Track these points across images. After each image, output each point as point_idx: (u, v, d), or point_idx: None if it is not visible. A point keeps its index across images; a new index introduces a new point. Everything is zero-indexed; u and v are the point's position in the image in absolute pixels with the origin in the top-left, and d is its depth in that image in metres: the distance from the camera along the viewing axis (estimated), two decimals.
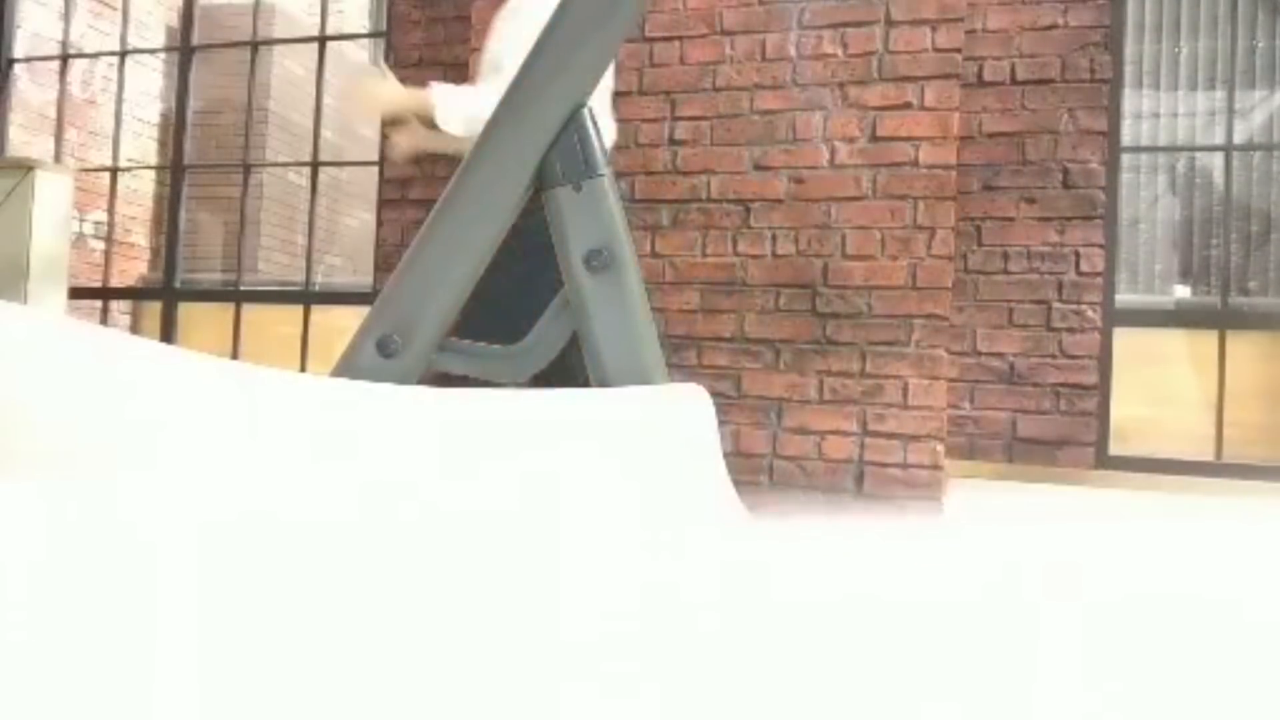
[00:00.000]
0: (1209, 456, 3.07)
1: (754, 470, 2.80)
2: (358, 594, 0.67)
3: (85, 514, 0.67)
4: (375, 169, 3.93)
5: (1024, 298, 3.08)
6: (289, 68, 6.01)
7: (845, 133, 2.82)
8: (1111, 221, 3.10)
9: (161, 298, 4.44)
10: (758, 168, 2.90)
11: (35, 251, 3.84)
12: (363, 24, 7.26)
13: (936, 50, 2.78)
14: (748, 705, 0.59)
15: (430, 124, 2.15)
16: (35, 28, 4.88)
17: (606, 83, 2.27)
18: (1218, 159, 3.51)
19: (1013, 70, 3.11)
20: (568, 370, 1.37)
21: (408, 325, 1.25)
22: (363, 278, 4.40)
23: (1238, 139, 3.52)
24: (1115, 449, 3.08)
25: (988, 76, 3.10)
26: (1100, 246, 3.06)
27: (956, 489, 2.80)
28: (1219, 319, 3.14)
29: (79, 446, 0.76)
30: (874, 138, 2.80)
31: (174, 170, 4.50)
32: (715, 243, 2.93)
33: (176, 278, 4.41)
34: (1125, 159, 3.29)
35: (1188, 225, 3.72)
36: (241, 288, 4.52)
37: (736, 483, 1.24)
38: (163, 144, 5.59)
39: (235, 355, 4.17)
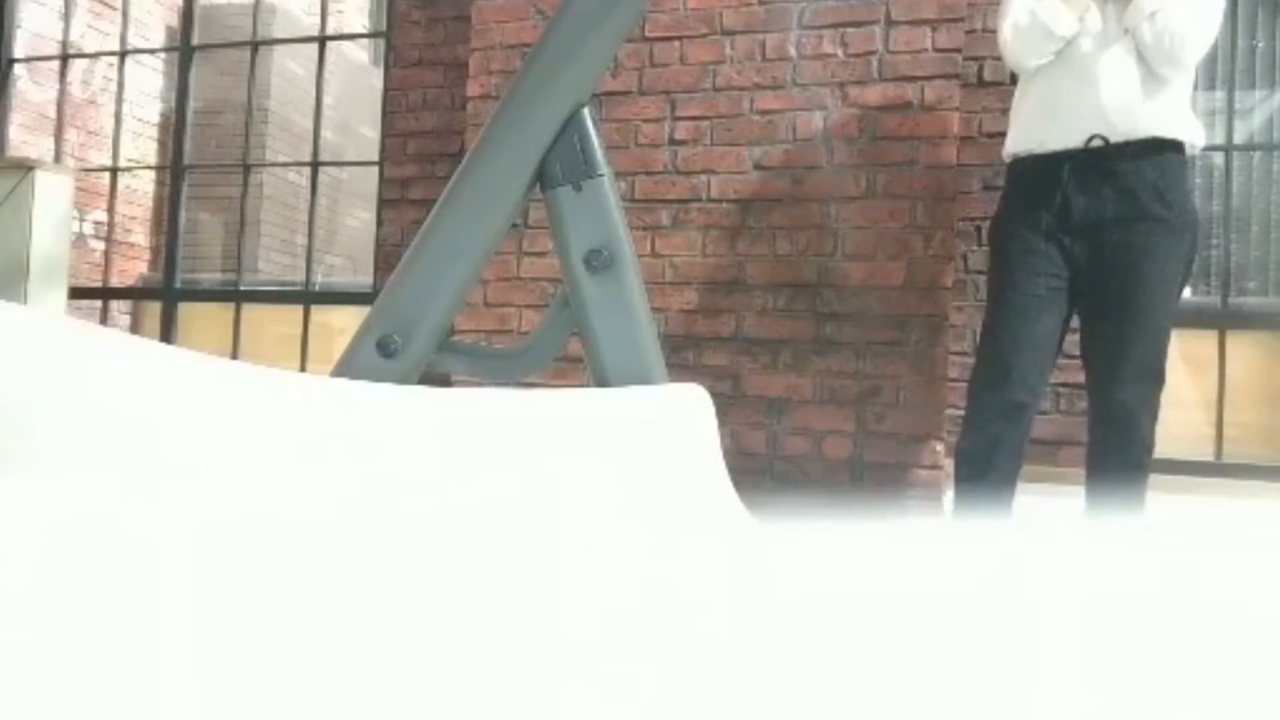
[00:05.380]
0: (1209, 456, 3.07)
1: (754, 470, 2.80)
2: (358, 594, 0.67)
3: (85, 513, 0.67)
4: (375, 169, 3.93)
5: None
6: (289, 68, 6.01)
7: (845, 133, 2.82)
8: None
9: (161, 298, 4.44)
10: (758, 168, 2.90)
11: (35, 251, 3.84)
12: (363, 24, 7.27)
13: (936, 50, 2.78)
14: (748, 704, 0.59)
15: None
16: (35, 28, 4.88)
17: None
18: (1218, 159, 3.51)
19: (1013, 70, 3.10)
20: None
21: (408, 325, 1.25)
22: (363, 278, 4.40)
23: (1238, 139, 3.52)
24: None
25: (988, 76, 3.09)
26: None
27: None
28: (1219, 319, 3.14)
29: (79, 446, 0.76)
30: (874, 138, 2.80)
31: (174, 170, 4.50)
32: (715, 243, 2.93)
33: (176, 278, 4.41)
34: None
35: None
36: (241, 288, 4.52)
37: (736, 483, 1.24)
38: (163, 144, 5.59)
39: (235, 355, 4.17)
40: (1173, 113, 2.09)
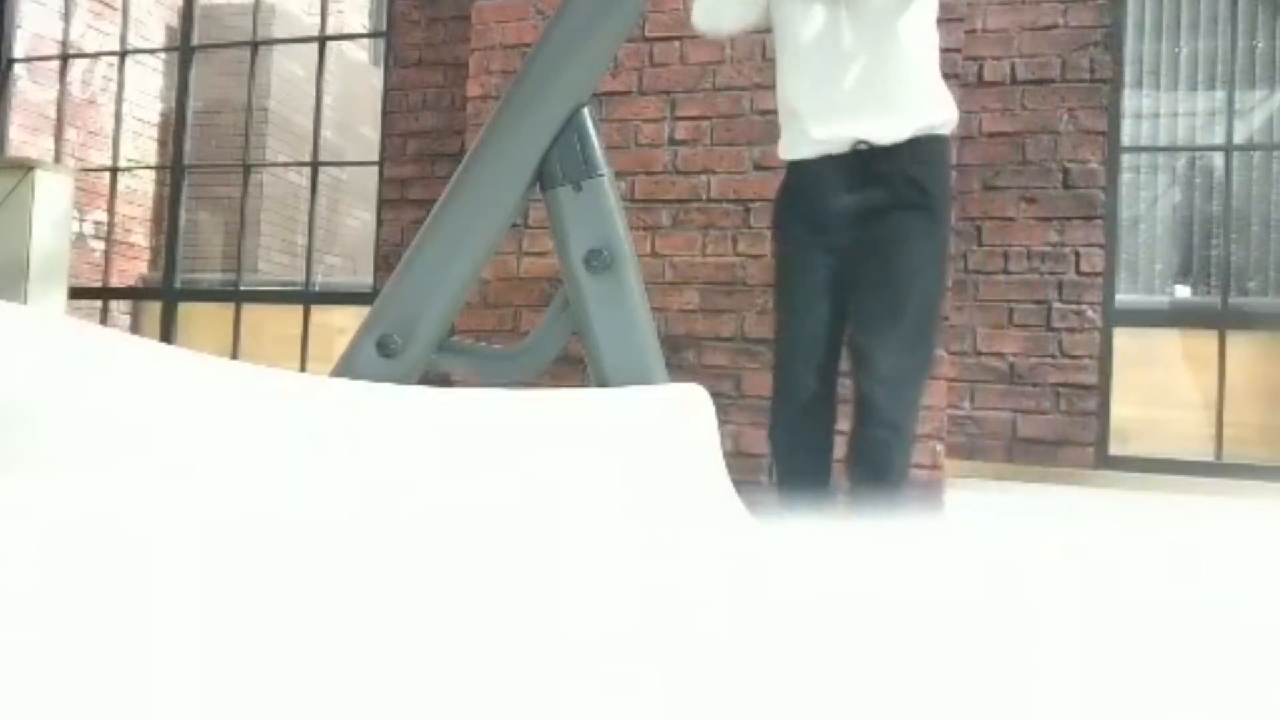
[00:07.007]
0: (1209, 456, 3.07)
1: (754, 470, 2.80)
2: (357, 594, 0.67)
3: (85, 513, 0.67)
4: (375, 169, 3.93)
5: (1024, 298, 3.09)
6: (289, 68, 6.01)
7: None
8: (1111, 221, 3.10)
9: (161, 298, 4.44)
10: (758, 168, 2.90)
11: (35, 251, 3.84)
12: (363, 24, 7.26)
13: None
14: (748, 705, 0.59)
15: None
16: (35, 28, 4.88)
17: None
18: (1218, 159, 3.51)
19: (1013, 70, 3.11)
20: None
21: (408, 325, 1.25)
22: (363, 278, 4.40)
23: (1238, 139, 3.52)
24: (1115, 449, 3.07)
25: (988, 76, 3.10)
26: (1100, 246, 3.06)
27: (956, 489, 2.80)
28: (1219, 319, 3.14)
29: (79, 446, 0.76)
30: None
31: (174, 170, 4.50)
32: (715, 243, 2.93)
33: (176, 278, 4.42)
34: (1125, 159, 3.29)
35: (1188, 225, 3.72)
36: (241, 288, 4.52)
37: (736, 483, 1.24)
38: (163, 144, 5.59)
39: (235, 355, 4.17)
40: (925, 100, 1.99)
